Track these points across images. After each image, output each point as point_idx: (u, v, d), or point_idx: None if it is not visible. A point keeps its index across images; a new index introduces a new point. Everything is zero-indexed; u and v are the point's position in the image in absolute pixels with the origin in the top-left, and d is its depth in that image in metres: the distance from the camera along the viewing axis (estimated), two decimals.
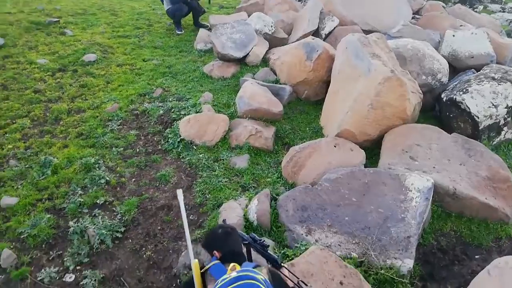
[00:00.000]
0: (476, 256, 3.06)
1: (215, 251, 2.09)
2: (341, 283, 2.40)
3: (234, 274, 1.81)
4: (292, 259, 2.68)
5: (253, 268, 1.89)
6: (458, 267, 2.96)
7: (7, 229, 3.26)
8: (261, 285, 1.73)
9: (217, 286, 1.76)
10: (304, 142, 4.24)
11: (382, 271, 2.64)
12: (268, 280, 1.83)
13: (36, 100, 5.15)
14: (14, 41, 6.67)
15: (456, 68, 5.28)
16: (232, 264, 1.92)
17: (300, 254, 2.68)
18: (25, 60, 6.09)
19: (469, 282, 2.39)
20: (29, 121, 4.72)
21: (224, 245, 2.11)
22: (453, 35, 5.30)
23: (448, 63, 5.05)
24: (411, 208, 3.08)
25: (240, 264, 1.95)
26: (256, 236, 2.29)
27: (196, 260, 1.96)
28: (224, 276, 1.81)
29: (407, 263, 2.71)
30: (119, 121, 4.83)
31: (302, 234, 2.99)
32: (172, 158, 4.25)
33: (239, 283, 1.72)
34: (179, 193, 2.05)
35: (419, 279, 2.85)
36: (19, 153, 4.14)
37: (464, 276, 2.85)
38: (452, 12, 7.86)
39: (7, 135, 4.42)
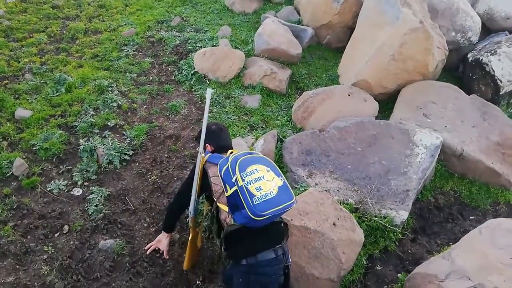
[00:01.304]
0: (471, 217, 3.10)
1: (207, 145, 2.36)
2: (334, 224, 2.48)
3: (242, 151, 2.11)
4: None
5: None
6: (451, 225, 3.02)
7: (20, 140, 3.38)
8: (269, 160, 2.07)
9: (232, 157, 2.03)
10: (319, 88, 4.17)
11: (376, 219, 2.71)
12: None
13: (54, 16, 5.09)
14: None
15: (490, 29, 4.99)
16: (230, 151, 2.21)
17: (299, 194, 2.75)
18: None
19: (459, 239, 2.45)
20: (46, 36, 4.70)
21: (218, 139, 2.39)
22: None
23: (482, 22, 4.75)
24: (415, 163, 3.08)
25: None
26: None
27: (203, 155, 2.24)
28: (232, 153, 2.08)
29: (401, 215, 2.77)
30: (135, 47, 4.78)
31: (303, 176, 3.04)
32: (184, 90, 4.25)
33: (252, 155, 2.05)
34: (209, 92, 2.27)
35: (411, 231, 2.93)
36: (34, 67, 4.17)
37: (456, 233, 2.92)
38: None
39: (23, 48, 4.44)
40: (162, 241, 2.53)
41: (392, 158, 3.13)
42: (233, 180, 1.96)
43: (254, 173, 1.97)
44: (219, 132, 2.41)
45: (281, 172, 2.07)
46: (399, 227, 2.77)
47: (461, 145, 3.29)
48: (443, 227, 3.02)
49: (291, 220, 2.44)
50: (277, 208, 1.91)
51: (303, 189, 2.87)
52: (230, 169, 1.99)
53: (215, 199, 2.14)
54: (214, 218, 2.20)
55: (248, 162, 2.00)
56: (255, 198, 1.90)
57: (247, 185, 1.92)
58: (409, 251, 2.81)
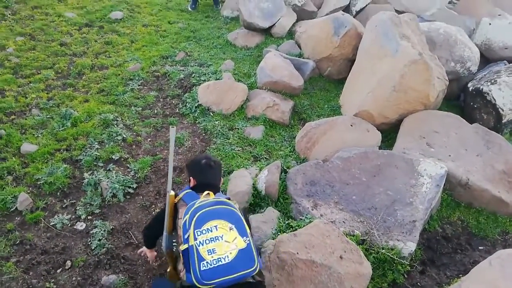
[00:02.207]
0: (480, 247, 3.04)
1: (191, 178, 2.18)
2: (341, 257, 2.44)
3: (211, 199, 1.89)
4: (296, 230, 2.72)
5: (226, 198, 2.00)
6: (460, 256, 2.95)
7: (25, 174, 3.40)
8: (238, 212, 1.84)
9: (196, 205, 1.83)
10: (321, 119, 4.21)
11: (383, 251, 2.66)
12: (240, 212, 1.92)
13: (62, 53, 5.23)
14: None
15: (488, 58, 5.08)
16: (206, 192, 2.00)
17: (304, 226, 2.72)
18: (53, 12, 6.16)
19: (469, 271, 2.39)
20: (53, 72, 4.82)
21: (203, 176, 2.17)
22: (489, 24, 5.07)
23: (480, 52, 4.85)
24: (421, 193, 3.06)
25: (213, 193, 2.04)
26: None
27: (172, 192, 2.05)
28: (203, 199, 1.89)
29: (409, 246, 2.72)
30: (140, 81, 4.88)
31: (308, 207, 3.02)
32: (188, 122, 4.30)
33: (218, 207, 1.82)
34: (172, 130, 2.01)
35: (419, 263, 2.86)
36: (41, 103, 4.25)
37: (465, 265, 2.85)
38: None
39: (31, 84, 4.54)
40: (147, 253, 2.54)
41: (397, 188, 3.11)
42: (186, 236, 1.77)
43: (211, 231, 1.75)
44: (206, 168, 2.19)
45: (248, 231, 1.84)
46: (407, 259, 2.71)
47: (466, 174, 3.28)
48: (452, 258, 2.95)
49: (297, 253, 2.40)
50: (227, 278, 1.70)
51: (308, 220, 2.84)
52: (187, 222, 1.80)
53: (179, 243, 1.93)
54: (172, 263, 2.06)
55: (209, 216, 1.79)
56: (203, 263, 1.70)
57: (198, 246, 1.72)
58: (418, 283, 2.74)
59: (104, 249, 2.83)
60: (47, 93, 4.44)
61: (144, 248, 2.59)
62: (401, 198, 3.04)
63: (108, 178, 3.39)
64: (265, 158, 3.82)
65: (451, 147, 3.58)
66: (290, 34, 6.01)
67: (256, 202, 3.20)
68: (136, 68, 5.06)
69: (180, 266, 1.93)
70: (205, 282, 1.68)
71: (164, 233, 2.12)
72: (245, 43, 5.78)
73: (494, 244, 3.07)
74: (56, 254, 2.78)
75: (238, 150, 3.88)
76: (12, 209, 3.06)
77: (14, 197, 3.12)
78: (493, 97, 4.05)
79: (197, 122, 4.29)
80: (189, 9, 6.95)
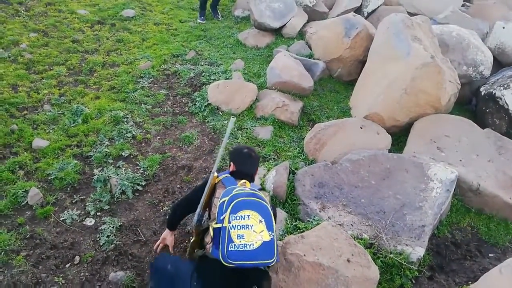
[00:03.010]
0: (490, 254, 3.00)
1: (231, 163, 2.41)
2: (348, 260, 2.42)
3: (248, 189, 2.09)
4: (303, 231, 2.71)
5: (259, 190, 2.20)
6: (470, 263, 2.92)
7: (36, 169, 3.43)
8: (269, 207, 2.04)
9: (235, 192, 2.04)
10: (331, 120, 4.19)
11: (391, 255, 2.64)
12: (269, 206, 2.12)
13: (74, 49, 5.28)
14: None
15: (501, 62, 5.02)
16: (243, 181, 2.22)
17: (312, 228, 2.71)
18: (66, 9, 6.21)
19: (479, 278, 2.36)
20: (65, 69, 4.86)
21: (242, 163, 2.40)
22: (503, 27, 5.00)
23: (493, 56, 4.79)
24: (430, 198, 3.03)
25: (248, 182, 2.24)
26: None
27: (216, 173, 2.28)
28: (240, 187, 2.10)
29: (417, 251, 2.70)
30: (150, 79, 4.91)
31: (316, 209, 3.01)
32: (198, 121, 4.31)
33: (253, 198, 2.02)
34: (232, 120, 2.22)
35: (427, 268, 2.84)
36: (53, 99, 4.29)
37: (474, 272, 2.82)
38: (506, 3, 7.35)
39: (43, 80, 4.59)
40: (167, 238, 2.60)
41: (407, 192, 3.09)
42: (222, 217, 1.97)
43: (244, 218, 1.94)
44: (246, 158, 2.42)
45: (274, 226, 2.02)
46: (416, 264, 2.69)
47: (477, 179, 3.24)
48: (461, 264, 2.92)
49: (304, 255, 2.39)
50: (249, 262, 1.91)
51: (316, 222, 2.84)
52: (224, 205, 2.00)
53: (210, 218, 2.20)
54: (199, 235, 2.26)
55: (245, 205, 1.98)
56: (231, 245, 1.90)
57: (231, 229, 1.92)
58: None
59: (112, 245, 2.85)
60: (59, 89, 4.48)
61: (164, 234, 2.62)
62: (411, 202, 3.02)
63: (117, 175, 3.41)
64: (274, 158, 3.82)
65: (462, 151, 3.54)
66: (301, 34, 5.99)
67: None
68: (146, 66, 5.08)
69: (208, 239, 2.13)
70: (230, 261, 1.89)
71: (198, 209, 2.28)
72: (255, 43, 5.78)
73: (505, 251, 3.04)
74: (65, 249, 2.80)
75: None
76: (23, 203, 3.10)
77: (25, 191, 3.16)
78: (505, 102, 4.00)
79: (206, 121, 4.30)
80: (199, 21, 6.46)
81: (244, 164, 2.40)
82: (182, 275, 2.15)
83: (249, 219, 1.94)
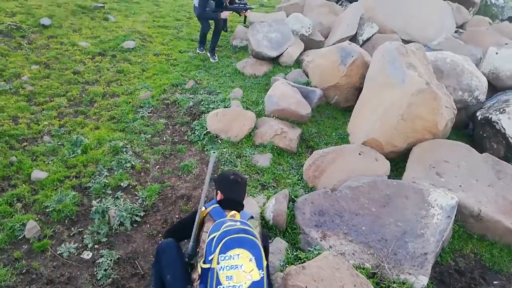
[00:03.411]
0: (495, 282, 2.95)
1: (219, 192, 2.34)
2: None
3: (239, 224, 2.03)
4: (304, 262, 2.67)
5: (248, 219, 2.16)
6: None
7: (34, 201, 3.41)
8: (259, 245, 1.97)
9: (224, 229, 1.97)
10: (329, 147, 4.21)
11: (395, 285, 2.59)
12: (259, 237, 2.07)
13: (75, 81, 5.36)
14: (60, 22, 6.95)
15: (496, 87, 5.09)
16: (232, 212, 2.16)
17: (313, 258, 2.67)
18: (68, 41, 6.35)
19: None
20: (66, 100, 4.92)
21: (229, 191, 2.33)
22: (496, 53, 5.11)
23: (488, 81, 4.86)
24: (432, 225, 3.00)
25: (238, 212, 2.19)
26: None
27: (204, 208, 2.24)
28: (230, 223, 2.02)
29: (421, 280, 2.65)
30: (150, 109, 4.96)
31: (316, 238, 2.98)
32: (197, 150, 4.32)
33: (243, 235, 1.95)
34: (213, 156, 2.25)
35: None
36: (53, 130, 4.32)
37: None
38: (499, 29, 7.55)
39: (44, 111, 4.63)
40: None
41: (408, 219, 3.06)
42: (210, 258, 1.92)
43: (233, 258, 1.89)
44: (233, 184, 2.35)
45: (264, 263, 1.97)
46: None
47: (478, 205, 3.22)
48: None
49: (306, 287, 2.34)
50: None
51: (317, 252, 2.80)
52: (213, 243, 1.95)
53: (198, 254, 2.14)
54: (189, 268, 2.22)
55: (234, 244, 1.92)
56: (219, 287, 1.85)
57: (219, 270, 1.87)
58: None
59: (110, 279, 2.80)
60: (59, 120, 4.52)
61: None
62: (412, 229, 2.99)
63: (116, 206, 3.39)
64: (273, 186, 3.81)
65: (461, 177, 3.54)
66: (298, 63, 6.10)
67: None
68: (146, 96, 5.15)
69: (195, 276, 2.08)
70: None
71: (191, 243, 2.21)
72: (253, 71, 5.88)
73: (509, 278, 2.98)
74: (62, 284, 2.75)
75: (246, 178, 3.86)
76: (20, 237, 3.06)
77: (23, 224, 3.13)
78: (502, 126, 4.03)
79: (205, 149, 4.31)
80: (198, 51, 6.55)
81: (232, 191, 2.34)
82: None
83: (238, 258, 1.89)
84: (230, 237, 1.92)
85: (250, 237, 1.96)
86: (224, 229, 1.96)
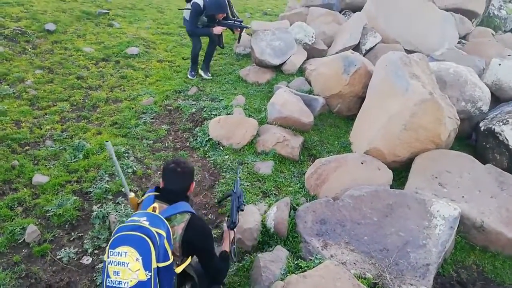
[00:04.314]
0: None
1: (161, 179, 2.26)
2: None
3: (143, 220, 1.96)
4: (305, 271, 2.65)
5: (174, 214, 2.06)
6: None
7: (35, 205, 3.41)
8: (149, 242, 1.87)
9: (121, 224, 1.97)
10: (331, 155, 4.20)
11: None
12: (171, 235, 1.98)
13: (78, 86, 5.38)
14: (65, 28, 7.01)
15: (499, 98, 5.08)
16: (154, 205, 2.08)
17: (314, 267, 2.65)
18: (72, 47, 6.40)
19: None
20: (68, 105, 4.94)
21: (167, 180, 2.23)
22: (499, 64, 5.11)
23: (491, 92, 4.86)
24: (434, 235, 2.98)
25: (171, 204, 2.11)
26: (242, 196, 2.59)
27: (132, 194, 2.27)
28: (134, 218, 1.98)
29: None
30: (153, 115, 4.97)
31: (318, 247, 2.95)
32: (199, 156, 4.32)
33: (135, 233, 1.89)
34: (108, 144, 2.23)
35: None
36: (55, 134, 4.33)
37: None
38: (502, 40, 7.57)
39: (46, 116, 4.65)
40: None
41: (410, 230, 3.04)
42: (106, 249, 1.94)
43: (120, 255, 1.86)
44: (171, 173, 2.22)
45: (153, 264, 1.88)
46: None
47: (481, 216, 3.20)
48: None
49: None
50: None
51: (318, 261, 2.77)
52: (111, 236, 1.94)
53: None
54: None
55: (124, 240, 1.88)
56: (108, 280, 1.88)
57: (108, 264, 1.88)
58: None
59: None
60: (61, 125, 4.53)
61: None
62: (414, 240, 2.96)
63: (116, 211, 3.38)
64: (274, 194, 3.79)
65: (464, 187, 3.52)
66: (301, 71, 6.12)
67: (265, 239, 3.15)
68: (149, 102, 5.16)
69: None
70: None
71: None
72: (256, 79, 5.89)
73: None
74: None
75: (247, 185, 3.86)
76: (20, 241, 3.06)
77: (23, 228, 3.12)
78: (505, 138, 4.02)
79: (207, 156, 4.31)
80: (189, 77, 5.99)
81: (170, 180, 2.21)
82: None
83: (126, 256, 1.85)
84: (122, 234, 1.89)
85: (142, 235, 1.88)
86: (121, 225, 1.95)
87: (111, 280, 1.86)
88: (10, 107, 4.65)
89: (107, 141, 2.32)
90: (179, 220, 2.06)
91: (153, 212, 2.02)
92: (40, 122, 4.53)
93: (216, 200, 3.62)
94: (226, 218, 2.41)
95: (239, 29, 5.79)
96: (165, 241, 1.93)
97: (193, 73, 6.04)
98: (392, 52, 4.43)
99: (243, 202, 2.51)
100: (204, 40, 5.96)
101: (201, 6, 5.30)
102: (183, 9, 5.68)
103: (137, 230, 1.89)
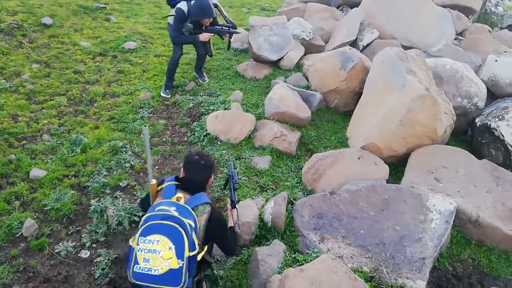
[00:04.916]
0: (493, 287, 2.95)
1: (182, 169, 2.31)
2: None
3: (173, 210, 2.00)
4: (302, 264, 2.67)
5: (197, 205, 2.13)
6: None
7: (32, 200, 3.41)
8: (183, 232, 1.94)
9: (153, 212, 1.98)
10: (328, 150, 4.22)
11: None
12: (197, 226, 2.07)
13: (75, 80, 5.36)
14: (61, 22, 6.97)
15: (495, 94, 5.11)
16: (179, 195, 2.13)
17: (311, 261, 2.67)
18: (69, 41, 6.36)
19: None
20: (66, 99, 4.92)
21: (189, 171, 2.29)
22: (496, 60, 5.13)
23: (487, 88, 4.89)
24: (430, 229, 3.01)
25: (193, 194, 2.18)
26: (236, 177, 2.69)
27: (154, 181, 2.22)
28: (163, 207, 2.01)
29: (419, 285, 2.65)
30: (150, 110, 4.96)
31: (315, 241, 2.97)
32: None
33: (167, 222, 1.93)
34: (144, 129, 2.23)
35: None
36: (53, 129, 4.32)
37: None
38: (498, 37, 7.59)
39: (44, 110, 4.63)
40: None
41: (406, 224, 3.07)
42: (133, 238, 1.97)
43: (152, 243, 1.89)
44: (195, 164, 2.28)
45: (186, 254, 1.93)
46: None
47: (476, 210, 3.23)
48: None
49: None
50: (153, 285, 1.92)
51: (315, 255, 2.80)
52: (140, 225, 1.97)
53: None
54: None
55: (156, 229, 1.91)
56: (136, 266, 1.91)
57: (138, 251, 1.91)
58: None
59: (107, 278, 2.80)
60: (58, 119, 4.52)
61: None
62: (410, 234, 2.99)
63: (114, 205, 3.39)
64: (272, 188, 3.81)
65: (460, 182, 3.55)
66: (298, 66, 6.12)
67: (262, 233, 3.17)
68: (146, 97, 5.15)
69: None
70: (133, 280, 1.94)
71: None
72: (253, 74, 5.89)
73: (507, 284, 2.98)
74: (59, 283, 2.74)
75: (245, 180, 3.87)
76: (18, 235, 3.06)
77: (21, 222, 3.12)
78: (501, 133, 4.05)
79: (205, 150, 4.31)
80: (163, 95, 5.30)
81: (193, 171, 2.28)
82: None
83: (158, 244, 1.89)
84: (153, 222, 1.92)
85: (175, 225, 1.93)
86: (153, 213, 1.97)
87: (139, 267, 1.90)
88: (6, 101, 4.63)
89: (145, 125, 2.38)
90: (201, 211, 2.14)
91: (179, 202, 2.09)
92: (37, 116, 4.51)
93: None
94: (228, 200, 2.63)
95: (228, 35, 5.18)
96: (193, 231, 2.01)
97: (167, 90, 5.32)
98: (389, 48, 4.44)
99: (237, 181, 2.69)
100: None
101: (185, 11, 4.75)
102: (168, 16, 5.16)
103: (169, 219, 1.94)
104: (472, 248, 3.25)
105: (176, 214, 1.97)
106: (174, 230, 1.92)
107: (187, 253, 1.93)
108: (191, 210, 2.06)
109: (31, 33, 6.37)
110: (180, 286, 1.92)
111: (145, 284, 1.92)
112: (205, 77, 5.73)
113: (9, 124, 4.24)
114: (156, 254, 1.88)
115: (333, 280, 2.44)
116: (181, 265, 1.91)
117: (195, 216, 2.06)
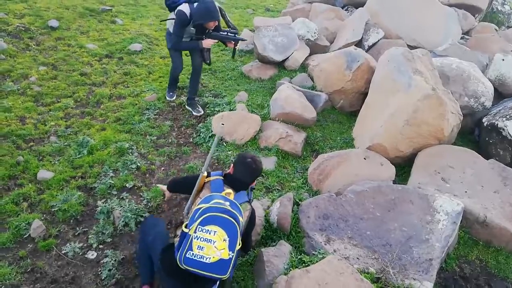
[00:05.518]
0: None
1: (232, 165, 2.53)
2: None
3: (227, 204, 2.19)
4: (308, 265, 2.67)
5: (242, 203, 2.30)
6: None
7: (40, 201, 3.44)
8: (238, 229, 2.14)
9: (210, 203, 2.16)
10: (334, 151, 4.21)
11: None
12: (245, 221, 2.30)
13: (82, 82, 5.40)
14: (68, 24, 7.02)
15: (502, 93, 5.07)
16: (229, 190, 2.30)
17: (317, 262, 2.67)
18: (76, 43, 6.41)
19: None
20: (72, 101, 4.96)
21: (239, 170, 2.47)
22: (503, 59, 5.09)
23: (494, 87, 4.85)
24: (437, 230, 2.99)
25: (236, 191, 2.37)
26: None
27: (205, 173, 2.42)
28: (219, 200, 2.18)
29: (426, 286, 2.63)
30: (156, 111, 4.98)
31: (321, 242, 2.97)
32: (202, 152, 4.33)
33: (225, 216, 2.12)
34: (220, 128, 2.48)
35: None
36: (60, 130, 4.35)
37: None
38: (505, 36, 7.53)
39: (51, 112, 4.67)
40: (166, 193, 3.03)
41: (413, 224, 3.05)
42: (191, 225, 2.11)
43: (209, 233, 2.07)
44: (246, 166, 2.47)
45: (238, 246, 2.13)
46: None
47: (484, 211, 3.20)
48: None
49: None
50: (202, 272, 2.08)
51: (321, 256, 2.79)
52: (198, 213, 2.11)
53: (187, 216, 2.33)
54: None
55: (214, 221, 2.08)
56: (189, 252, 2.06)
57: (194, 239, 2.06)
58: None
59: (114, 279, 2.81)
60: (65, 121, 4.55)
61: (166, 188, 2.96)
62: (417, 234, 2.97)
63: (121, 206, 3.40)
64: (277, 189, 3.81)
65: (467, 183, 3.52)
66: (303, 67, 6.11)
67: (268, 234, 3.17)
68: (152, 98, 5.18)
69: (179, 232, 2.34)
70: (184, 265, 2.09)
71: (189, 203, 2.45)
72: (259, 75, 5.90)
73: None
74: (66, 284, 2.76)
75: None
76: (25, 236, 3.08)
77: (28, 223, 3.15)
78: (509, 133, 4.01)
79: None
80: (167, 98, 5.26)
81: (242, 171, 2.46)
82: (155, 252, 2.43)
83: (214, 235, 2.06)
84: (213, 214, 2.08)
85: (231, 219, 2.11)
86: (211, 205, 2.12)
87: (193, 253, 2.05)
88: (14, 103, 4.67)
89: (223, 124, 2.51)
90: (244, 208, 2.32)
91: (230, 198, 2.25)
92: (45, 118, 4.55)
93: None
94: None
95: (233, 42, 4.53)
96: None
97: (171, 93, 5.23)
98: (395, 48, 4.43)
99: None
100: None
101: (188, 14, 4.21)
102: (167, 19, 4.66)
103: (226, 213, 2.11)
104: (479, 249, 3.22)
105: (231, 209, 2.14)
106: (230, 224, 2.10)
107: (238, 246, 2.12)
108: (240, 207, 2.24)
109: (38, 35, 6.42)
110: (226, 275, 2.09)
111: (193, 269, 2.07)
112: (199, 108, 4.98)
113: (16, 126, 4.28)
114: (211, 243, 2.05)
115: (339, 281, 2.43)
116: (231, 256, 2.08)
117: (243, 213, 2.25)
